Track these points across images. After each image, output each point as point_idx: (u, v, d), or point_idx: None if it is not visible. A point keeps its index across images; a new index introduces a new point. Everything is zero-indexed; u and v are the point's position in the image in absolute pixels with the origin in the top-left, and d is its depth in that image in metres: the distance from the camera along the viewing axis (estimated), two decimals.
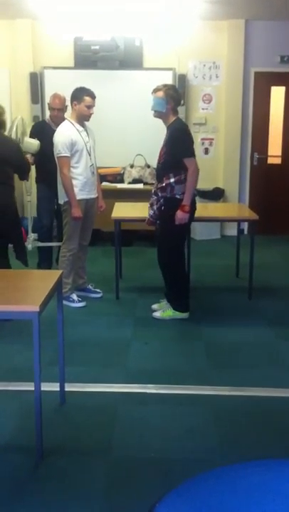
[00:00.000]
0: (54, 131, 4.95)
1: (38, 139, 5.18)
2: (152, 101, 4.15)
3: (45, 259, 5.55)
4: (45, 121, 5.52)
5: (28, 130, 5.54)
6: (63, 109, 5.23)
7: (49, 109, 5.36)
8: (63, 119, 4.86)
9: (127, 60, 6.97)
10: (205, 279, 5.50)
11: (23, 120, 5.24)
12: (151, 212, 4.30)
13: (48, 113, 5.54)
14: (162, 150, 4.22)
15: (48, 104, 5.38)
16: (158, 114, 4.17)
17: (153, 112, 4.17)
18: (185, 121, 7.08)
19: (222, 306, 4.81)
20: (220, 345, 3.99)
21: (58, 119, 5.11)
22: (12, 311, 2.52)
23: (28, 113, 7.12)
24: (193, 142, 4.23)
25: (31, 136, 5.36)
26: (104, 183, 6.65)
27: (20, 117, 5.19)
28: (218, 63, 7.19)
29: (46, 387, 2.70)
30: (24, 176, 4.62)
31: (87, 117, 4.54)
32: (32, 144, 5.11)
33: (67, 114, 4.86)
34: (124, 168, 6.91)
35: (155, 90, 4.16)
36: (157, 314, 4.45)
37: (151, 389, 3.30)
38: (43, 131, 5.25)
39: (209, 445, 2.76)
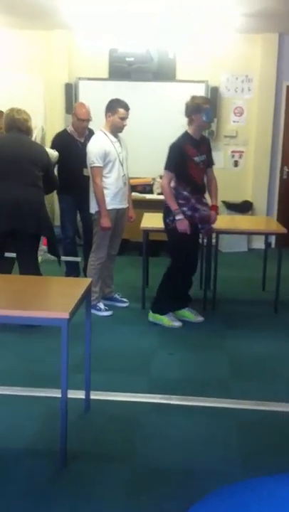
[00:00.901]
0: (77, 141, 5.06)
1: (60, 150, 5.10)
2: (207, 113, 4.28)
3: (73, 270, 5.57)
4: (68, 132, 5.36)
5: (48, 139, 5.51)
6: (89, 119, 5.21)
7: (77, 119, 5.20)
8: (87, 129, 4.94)
9: (161, 72, 7.06)
10: (231, 291, 5.50)
11: (43, 129, 5.23)
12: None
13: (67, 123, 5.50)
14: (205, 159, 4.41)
15: (75, 114, 5.24)
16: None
17: (207, 123, 4.41)
18: (216, 134, 7.17)
19: (248, 318, 4.81)
20: (244, 357, 4.00)
21: (84, 129, 5.17)
22: (42, 317, 2.58)
23: (62, 123, 7.23)
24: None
25: (53, 146, 5.30)
26: (133, 194, 6.71)
27: (41, 126, 5.19)
28: (251, 76, 7.21)
29: (71, 393, 2.75)
30: (52, 185, 4.64)
31: (121, 129, 4.61)
32: (51, 154, 4.99)
33: (98, 124, 4.90)
34: (154, 179, 6.97)
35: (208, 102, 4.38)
36: (150, 318, 4.56)
37: (174, 400, 3.33)
38: (66, 141, 5.23)
39: (231, 458, 2.78)
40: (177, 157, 4.27)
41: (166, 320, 4.50)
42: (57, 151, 5.13)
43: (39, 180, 4.34)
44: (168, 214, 4.33)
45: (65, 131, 5.47)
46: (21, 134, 4.34)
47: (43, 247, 5.31)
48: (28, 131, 4.40)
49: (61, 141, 5.32)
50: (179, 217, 4.22)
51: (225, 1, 5.42)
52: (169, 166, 4.28)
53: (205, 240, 4.88)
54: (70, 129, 5.36)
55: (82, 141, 5.18)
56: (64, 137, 5.34)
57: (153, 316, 4.54)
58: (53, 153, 5.03)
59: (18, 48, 7.19)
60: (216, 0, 5.35)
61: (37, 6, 5.85)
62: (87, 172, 4.74)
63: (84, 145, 4.89)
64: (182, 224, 4.22)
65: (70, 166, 4.92)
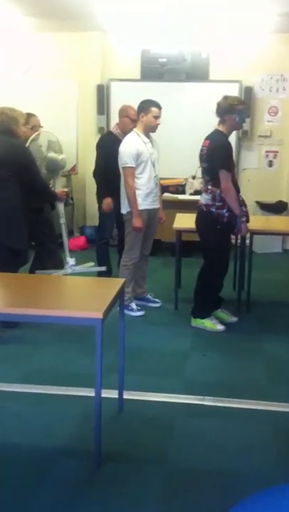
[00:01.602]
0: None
1: (106, 151, 5.09)
2: (240, 114, 4.22)
3: (106, 272, 5.50)
4: (113, 133, 5.31)
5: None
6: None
7: (130, 121, 5.02)
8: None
9: (194, 72, 7.03)
10: (265, 293, 5.42)
11: (52, 134, 4.94)
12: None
13: (111, 124, 5.48)
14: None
15: (127, 116, 5.11)
16: None
17: (240, 124, 4.33)
18: (250, 134, 7.10)
19: (283, 320, 4.73)
20: (280, 360, 3.93)
21: (130, 130, 5.03)
22: (76, 317, 2.57)
23: (94, 124, 7.30)
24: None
25: (98, 148, 5.32)
26: (166, 194, 6.70)
27: (47, 132, 4.92)
28: (286, 76, 7.11)
29: (105, 393, 2.73)
30: (38, 191, 4.41)
31: (154, 128, 4.60)
32: (55, 159, 4.86)
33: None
34: (186, 180, 6.94)
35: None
36: (193, 323, 4.49)
37: (209, 401, 3.29)
38: (112, 143, 5.01)
39: (267, 461, 2.72)
40: (230, 156, 4.21)
41: (209, 323, 4.45)
42: (103, 152, 5.15)
43: (5, 182, 4.05)
44: (213, 222, 4.18)
45: (110, 133, 5.42)
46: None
47: (69, 260, 5.13)
48: (12, 133, 4.17)
49: (107, 142, 5.26)
50: (243, 219, 4.16)
51: (259, 1, 5.36)
52: (226, 166, 4.13)
53: (239, 241, 4.82)
54: (115, 130, 5.28)
55: None
56: (110, 139, 5.24)
57: (195, 321, 4.50)
58: (57, 158, 4.91)
59: (52, 50, 7.27)
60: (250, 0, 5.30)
61: (70, 9, 5.89)
62: None
63: None
64: (245, 226, 4.18)
65: (114, 169, 4.76)
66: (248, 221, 4.29)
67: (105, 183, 5.20)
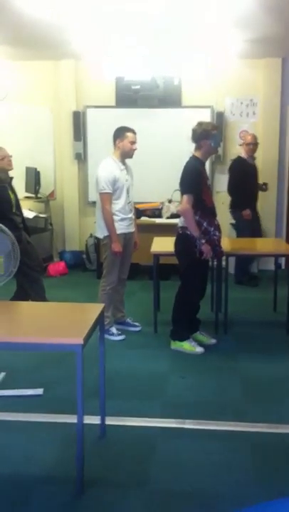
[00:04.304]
0: (251, 165, 6.43)
1: (239, 174, 6.38)
2: (215, 139, 4.36)
3: None
4: (242, 157, 6.49)
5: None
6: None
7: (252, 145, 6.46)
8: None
9: (167, 98, 7.20)
10: (242, 313, 5.51)
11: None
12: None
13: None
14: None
15: (246, 142, 6.52)
16: None
17: (215, 149, 4.51)
18: (222, 157, 7.26)
19: (259, 340, 4.82)
20: (257, 379, 4.00)
21: (253, 152, 6.47)
22: (56, 343, 2.61)
23: (71, 150, 7.39)
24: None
25: (231, 170, 6.52)
26: (143, 218, 6.81)
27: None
28: (255, 100, 7.32)
29: (87, 419, 2.76)
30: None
31: (131, 153, 4.69)
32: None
33: (106, 151, 4.97)
34: (162, 203, 7.05)
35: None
36: (172, 346, 4.54)
37: (188, 424, 3.33)
38: (244, 166, 6.40)
39: (247, 481, 2.77)
40: (196, 180, 4.28)
41: (188, 346, 4.50)
42: (235, 174, 6.47)
43: None
44: (190, 243, 4.27)
45: (240, 157, 6.57)
46: None
47: None
48: None
49: (238, 165, 6.50)
50: (202, 241, 4.24)
51: (226, 28, 5.55)
52: (190, 190, 4.24)
53: (215, 263, 4.92)
54: (243, 155, 6.54)
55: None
56: (241, 162, 6.49)
57: (174, 344, 4.55)
58: None
59: (26, 78, 7.37)
60: (218, 27, 5.47)
61: (44, 38, 6.00)
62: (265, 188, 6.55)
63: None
64: (206, 248, 4.24)
65: (249, 190, 6.31)
66: (220, 246, 4.38)
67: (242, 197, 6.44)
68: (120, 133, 4.66)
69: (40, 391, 3.69)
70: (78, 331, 2.64)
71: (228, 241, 5.15)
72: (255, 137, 6.58)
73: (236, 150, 7.31)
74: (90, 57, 6.94)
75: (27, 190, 7.20)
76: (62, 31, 5.70)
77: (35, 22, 5.27)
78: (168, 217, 6.87)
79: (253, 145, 6.51)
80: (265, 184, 6.82)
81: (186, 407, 3.54)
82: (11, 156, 4.88)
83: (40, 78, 7.37)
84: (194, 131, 4.34)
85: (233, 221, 6.80)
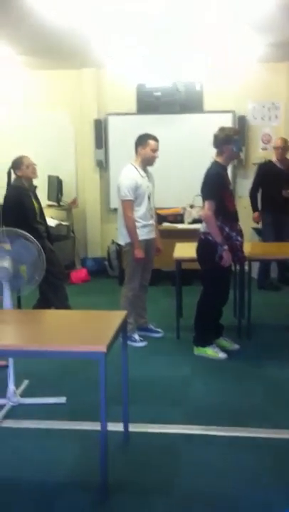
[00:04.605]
0: (279, 169, 6.36)
1: (258, 178, 6.48)
2: (237, 143, 4.37)
3: None
4: (272, 162, 6.48)
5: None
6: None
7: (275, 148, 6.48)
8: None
9: (188, 103, 7.21)
10: (265, 318, 5.47)
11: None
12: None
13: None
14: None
15: (275, 146, 6.50)
16: None
17: (237, 154, 4.50)
18: (245, 162, 7.23)
19: (283, 345, 4.77)
20: (280, 385, 3.96)
21: (281, 156, 6.38)
22: (80, 351, 2.63)
23: (92, 157, 7.45)
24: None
25: (258, 175, 6.51)
26: (165, 224, 6.81)
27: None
28: (277, 104, 7.29)
29: (110, 426, 2.77)
30: None
31: (152, 161, 4.71)
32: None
33: (128, 158, 4.99)
34: (184, 209, 7.05)
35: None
36: (195, 352, 4.52)
37: (212, 431, 3.32)
38: (264, 170, 6.46)
39: (271, 488, 2.74)
40: (218, 186, 4.27)
41: (211, 351, 4.48)
42: (255, 177, 6.59)
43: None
44: (211, 249, 4.25)
45: (270, 161, 6.58)
46: None
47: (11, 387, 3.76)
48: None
49: (265, 169, 6.51)
50: (225, 247, 4.21)
51: (248, 32, 5.54)
52: (212, 196, 4.23)
53: (238, 267, 4.89)
54: (274, 159, 6.51)
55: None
56: (268, 166, 6.50)
57: (198, 350, 4.54)
58: None
59: (48, 87, 7.45)
60: (240, 31, 5.47)
61: (65, 47, 6.07)
62: (286, 194, 6.25)
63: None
64: (226, 254, 4.21)
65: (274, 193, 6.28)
66: (242, 251, 4.37)
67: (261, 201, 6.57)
68: (142, 140, 4.68)
69: (63, 399, 3.71)
70: (101, 338, 2.65)
71: (250, 245, 5.11)
72: (283, 141, 6.48)
73: (259, 154, 7.29)
74: (111, 65, 6.98)
75: (49, 199, 7.27)
76: (84, 40, 5.76)
77: (57, 32, 5.34)
78: (190, 223, 6.87)
79: (281, 149, 6.42)
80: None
81: (211, 413, 3.52)
82: (35, 165, 4.94)
83: (62, 87, 7.46)
84: (216, 136, 4.33)
85: (255, 225, 6.77)
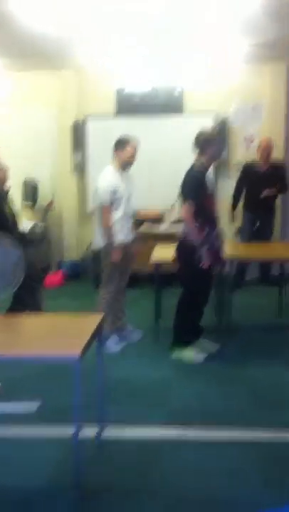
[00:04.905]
0: (259, 170, 6.34)
1: (238, 179, 6.50)
2: (218, 145, 4.40)
3: None
4: (255, 162, 6.48)
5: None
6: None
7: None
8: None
9: (168, 106, 7.17)
10: (246, 318, 5.46)
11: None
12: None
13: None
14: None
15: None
16: None
17: (218, 155, 4.52)
18: (227, 163, 7.21)
19: (264, 345, 4.77)
20: (262, 385, 3.96)
21: (262, 157, 6.38)
22: (54, 356, 2.58)
23: (70, 160, 7.40)
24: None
25: (241, 175, 6.49)
26: (144, 226, 6.77)
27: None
28: (260, 105, 7.28)
29: (86, 429, 2.72)
30: None
31: (131, 163, 4.67)
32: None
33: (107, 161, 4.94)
34: (164, 211, 7.02)
35: None
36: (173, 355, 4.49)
37: (192, 432, 3.29)
38: (245, 171, 6.49)
39: (255, 487, 2.74)
40: (197, 186, 4.25)
41: (189, 353, 4.46)
42: (237, 179, 6.61)
43: None
44: (191, 250, 4.23)
45: (251, 162, 6.60)
46: None
47: None
48: None
49: (247, 170, 6.52)
50: (203, 249, 4.19)
51: (231, 32, 5.52)
52: (191, 197, 4.21)
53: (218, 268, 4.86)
54: (253, 161, 6.56)
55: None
56: (249, 167, 6.53)
57: (175, 353, 4.51)
58: None
59: (26, 89, 7.38)
60: (222, 31, 5.45)
61: (45, 49, 6.01)
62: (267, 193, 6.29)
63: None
64: (206, 255, 4.19)
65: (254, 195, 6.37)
66: (220, 254, 4.35)
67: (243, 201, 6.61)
68: (121, 142, 4.64)
69: (34, 405, 3.62)
70: (75, 343, 2.61)
71: (230, 246, 5.09)
72: (266, 141, 6.50)
73: (241, 155, 7.28)
74: (91, 67, 6.94)
75: (25, 199, 7.19)
76: (64, 43, 5.71)
77: (37, 34, 5.30)
78: (171, 224, 6.83)
79: (264, 150, 6.42)
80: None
81: (191, 414, 3.51)
82: (7, 168, 4.84)
83: (41, 88, 7.39)
84: (197, 137, 4.31)
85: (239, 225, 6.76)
